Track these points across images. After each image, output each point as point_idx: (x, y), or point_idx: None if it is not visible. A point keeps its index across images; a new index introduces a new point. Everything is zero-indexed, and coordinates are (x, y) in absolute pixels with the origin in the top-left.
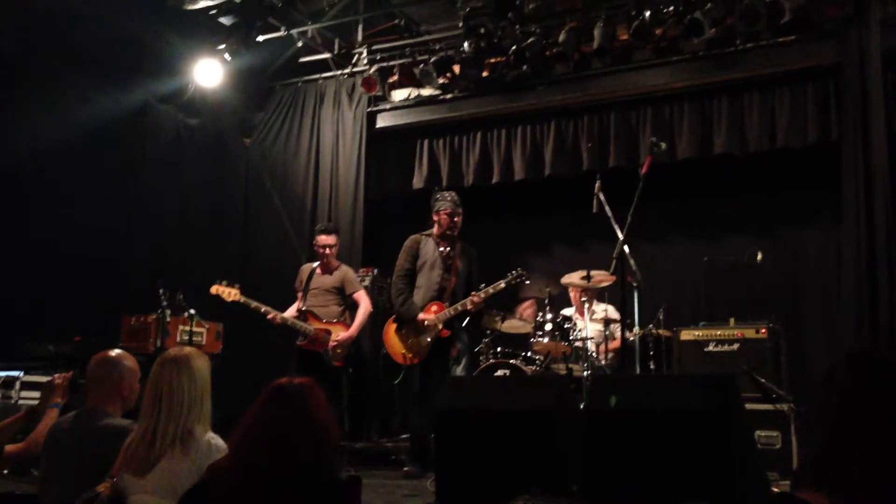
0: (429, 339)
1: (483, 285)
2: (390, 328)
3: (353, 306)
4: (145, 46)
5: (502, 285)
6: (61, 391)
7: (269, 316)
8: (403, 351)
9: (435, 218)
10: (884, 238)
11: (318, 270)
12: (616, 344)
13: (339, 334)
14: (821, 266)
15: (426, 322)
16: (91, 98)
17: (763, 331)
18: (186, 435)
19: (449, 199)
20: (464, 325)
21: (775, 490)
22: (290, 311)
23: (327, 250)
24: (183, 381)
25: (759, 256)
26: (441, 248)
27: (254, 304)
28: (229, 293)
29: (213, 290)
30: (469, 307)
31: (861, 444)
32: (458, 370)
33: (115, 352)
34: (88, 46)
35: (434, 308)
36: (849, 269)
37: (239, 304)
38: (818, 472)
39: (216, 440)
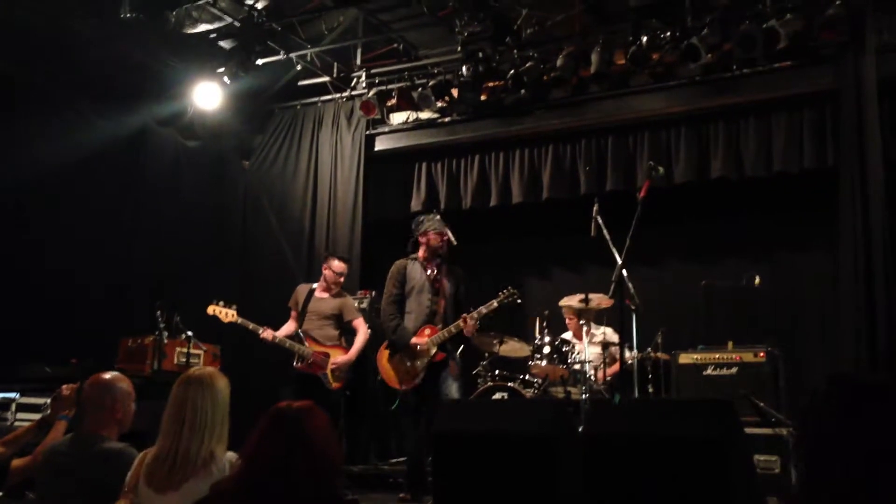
0: (423, 364)
1: (476, 307)
2: (383, 355)
3: (348, 331)
4: (145, 69)
5: (494, 305)
6: (69, 402)
7: (262, 334)
8: (398, 377)
9: (422, 240)
10: (880, 262)
11: (318, 294)
12: (615, 368)
13: (338, 357)
14: (818, 290)
15: (420, 347)
16: (91, 121)
17: (761, 354)
18: (209, 456)
19: (435, 219)
20: (459, 350)
21: None
22: (284, 331)
23: (341, 279)
24: (207, 401)
25: (757, 280)
26: (428, 272)
27: (251, 325)
28: (226, 314)
29: (210, 310)
30: (462, 329)
31: (850, 471)
32: (454, 390)
33: (108, 374)
34: (88, 70)
35: (427, 332)
36: (846, 293)
37: (236, 326)
38: (807, 500)
39: (230, 455)
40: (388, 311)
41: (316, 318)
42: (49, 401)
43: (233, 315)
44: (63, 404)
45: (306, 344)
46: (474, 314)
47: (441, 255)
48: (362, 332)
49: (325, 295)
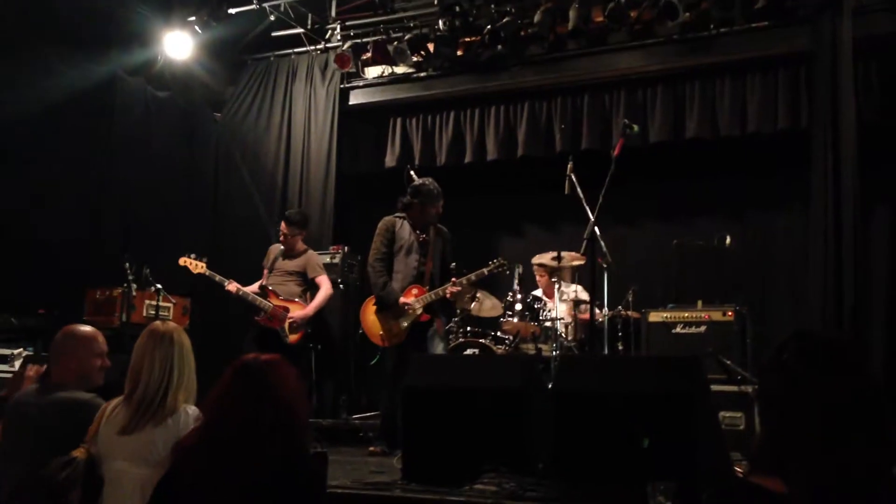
0: (408, 323)
1: (464, 271)
2: (369, 310)
3: (314, 288)
4: (113, 16)
5: (484, 273)
6: (31, 383)
7: (228, 287)
8: (381, 333)
9: (420, 208)
10: (850, 224)
11: (286, 251)
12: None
13: (296, 312)
14: (788, 251)
15: (407, 306)
16: (57, 69)
17: (730, 314)
18: (172, 406)
19: (436, 192)
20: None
21: (738, 470)
22: (253, 287)
23: (282, 237)
24: (172, 353)
25: (728, 240)
26: (417, 231)
27: (217, 277)
28: (196, 266)
29: (182, 261)
30: (448, 294)
31: (812, 427)
32: (441, 348)
33: (80, 326)
34: (53, 15)
35: (414, 291)
36: (815, 254)
37: (204, 277)
38: (771, 456)
39: (192, 409)
40: (376, 268)
41: (280, 275)
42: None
43: (202, 267)
44: (25, 385)
45: (269, 298)
46: (463, 280)
47: (433, 223)
48: (324, 288)
49: (289, 253)
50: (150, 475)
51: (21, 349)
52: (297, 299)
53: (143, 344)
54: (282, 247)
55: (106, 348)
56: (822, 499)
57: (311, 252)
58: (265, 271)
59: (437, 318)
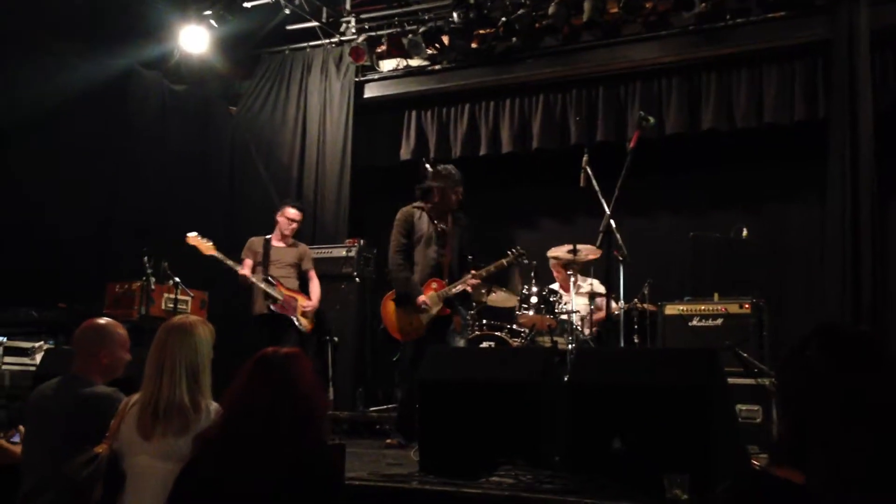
0: (428, 318)
1: (481, 265)
2: (389, 304)
3: (304, 280)
4: (130, 11)
5: (504, 264)
6: None
7: (241, 271)
8: (402, 328)
9: (440, 193)
10: (868, 215)
11: (275, 244)
12: (601, 315)
13: (307, 303)
14: (805, 243)
15: (427, 300)
16: (74, 63)
17: (746, 306)
18: (190, 405)
19: (457, 176)
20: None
21: (755, 463)
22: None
23: (293, 225)
24: (187, 349)
25: (745, 233)
26: (436, 223)
27: (229, 261)
28: (205, 246)
29: (191, 240)
30: (468, 287)
31: (832, 421)
32: (461, 343)
33: (101, 319)
34: (70, 10)
35: (434, 285)
36: (833, 247)
37: (214, 260)
38: (791, 450)
39: (214, 406)
40: (397, 261)
41: (281, 267)
42: None
43: (211, 247)
44: None
45: (278, 288)
46: (483, 272)
47: (452, 211)
48: (316, 281)
49: (282, 244)
50: (173, 470)
51: (42, 342)
52: (299, 291)
53: (155, 341)
54: (268, 237)
55: (127, 341)
56: (841, 493)
57: (302, 244)
58: (249, 262)
59: (455, 314)
